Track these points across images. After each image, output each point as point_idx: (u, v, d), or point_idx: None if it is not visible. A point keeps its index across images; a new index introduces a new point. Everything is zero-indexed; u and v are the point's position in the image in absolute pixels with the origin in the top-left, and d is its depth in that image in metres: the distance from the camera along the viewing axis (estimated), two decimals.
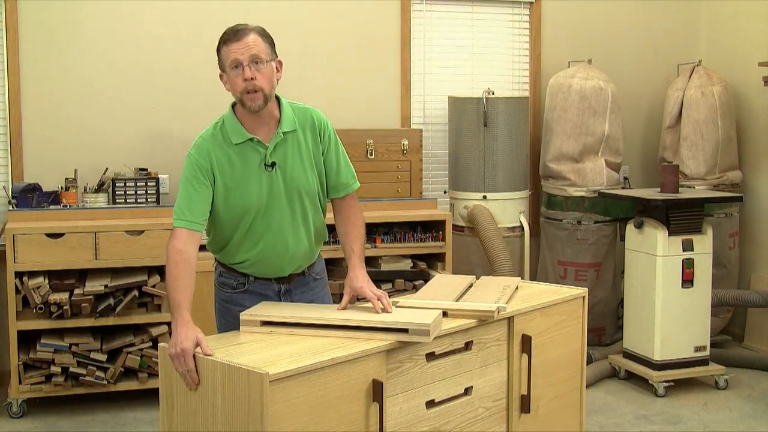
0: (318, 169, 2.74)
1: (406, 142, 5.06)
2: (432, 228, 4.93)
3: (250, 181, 2.64)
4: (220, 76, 2.69)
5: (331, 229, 2.95)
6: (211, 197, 2.63)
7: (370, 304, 2.60)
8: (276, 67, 2.65)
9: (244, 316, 2.55)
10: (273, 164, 2.65)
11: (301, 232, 2.74)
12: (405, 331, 2.40)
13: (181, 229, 2.56)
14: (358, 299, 2.70)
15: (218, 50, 2.67)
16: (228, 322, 2.80)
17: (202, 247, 2.67)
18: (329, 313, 2.53)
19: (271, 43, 2.65)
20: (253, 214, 2.67)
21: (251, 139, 2.64)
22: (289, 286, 2.81)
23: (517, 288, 3.00)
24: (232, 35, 2.61)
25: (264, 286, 2.78)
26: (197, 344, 2.29)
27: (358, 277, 2.67)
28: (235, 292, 2.81)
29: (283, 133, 2.67)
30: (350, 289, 2.66)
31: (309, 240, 2.77)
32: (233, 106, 2.71)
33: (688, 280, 4.72)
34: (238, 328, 2.57)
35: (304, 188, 2.70)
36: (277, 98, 2.72)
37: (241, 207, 2.65)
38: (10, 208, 4.55)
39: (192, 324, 2.36)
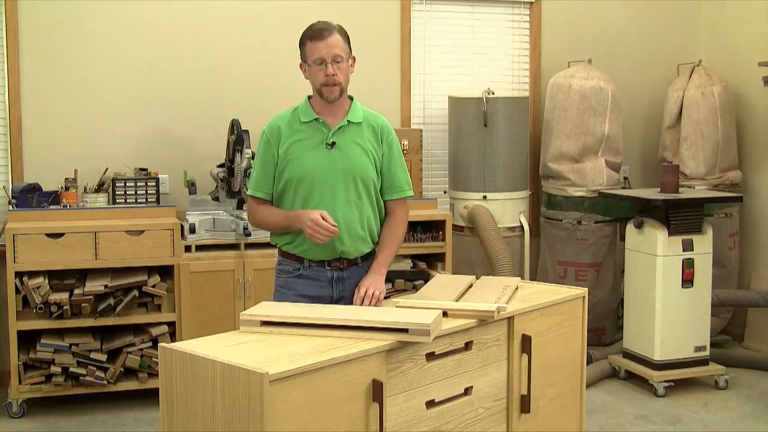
0: (375, 163, 2.95)
1: (406, 142, 5.06)
2: (432, 228, 4.93)
3: (309, 154, 2.88)
4: (300, 65, 2.95)
5: None
6: (274, 168, 2.91)
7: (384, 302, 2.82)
8: (351, 63, 2.94)
9: (243, 316, 2.56)
10: (333, 143, 2.89)
11: (353, 212, 2.90)
12: (405, 331, 2.41)
13: (251, 197, 2.97)
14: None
15: (302, 43, 2.92)
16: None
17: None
18: (329, 313, 2.53)
19: (348, 41, 2.93)
20: (309, 184, 2.87)
21: (317, 119, 2.91)
22: (342, 274, 2.94)
23: (517, 288, 3.00)
24: (317, 34, 2.87)
25: (318, 272, 2.93)
26: (321, 214, 2.76)
27: (368, 277, 2.90)
28: (291, 277, 2.97)
29: (348, 121, 2.92)
30: (357, 288, 2.88)
31: (360, 223, 2.92)
32: (309, 97, 2.98)
33: (688, 280, 4.72)
34: None
35: (360, 172, 2.90)
36: (352, 99, 3.00)
37: (299, 176, 2.87)
38: (10, 208, 4.54)
39: (307, 210, 2.81)
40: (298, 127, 2.91)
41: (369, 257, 3.00)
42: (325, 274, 2.93)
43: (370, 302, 2.80)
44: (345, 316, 2.48)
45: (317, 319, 2.48)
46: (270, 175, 2.92)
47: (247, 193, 2.99)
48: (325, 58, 2.83)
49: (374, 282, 2.87)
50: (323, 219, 2.75)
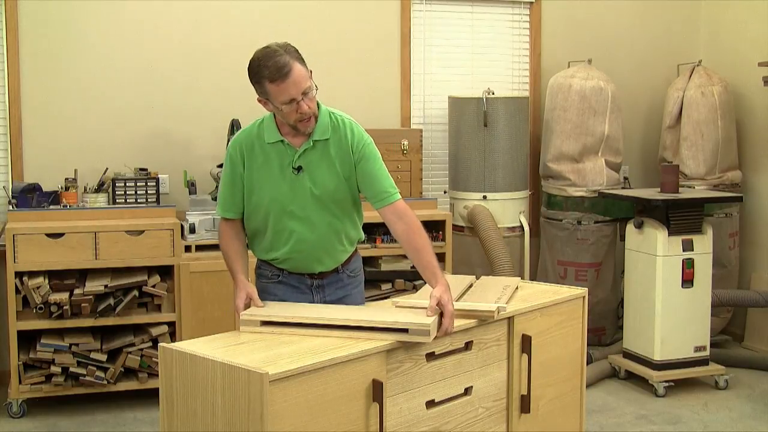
0: (347, 178, 2.78)
1: (406, 142, 5.06)
2: (432, 228, 4.93)
3: (275, 180, 2.75)
4: (260, 101, 2.73)
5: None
6: (242, 186, 2.79)
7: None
8: (313, 84, 2.71)
9: (243, 316, 2.56)
10: (299, 168, 2.74)
11: (330, 236, 2.80)
12: (405, 331, 2.40)
13: (222, 219, 2.86)
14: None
15: (260, 83, 2.67)
16: (263, 295, 2.88)
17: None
18: (329, 313, 2.53)
19: (303, 61, 2.67)
20: (278, 213, 2.76)
21: (282, 141, 2.75)
22: (322, 282, 2.87)
23: (517, 288, 3.00)
24: (278, 73, 2.60)
25: (297, 280, 2.86)
26: (249, 298, 2.65)
27: (439, 290, 2.56)
28: (270, 282, 2.90)
29: (314, 141, 2.74)
30: (433, 298, 2.55)
31: (339, 243, 2.83)
32: (274, 114, 2.77)
33: (688, 280, 4.72)
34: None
35: (331, 194, 2.76)
36: (318, 104, 2.77)
37: (266, 204, 2.76)
38: (10, 208, 4.54)
39: (245, 284, 2.71)
40: (263, 148, 2.76)
41: (348, 261, 2.90)
42: (304, 282, 2.85)
43: (449, 324, 2.50)
44: (345, 316, 2.48)
45: (318, 319, 2.48)
46: (238, 193, 2.79)
47: (216, 214, 2.87)
48: (296, 97, 2.62)
49: (447, 296, 2.53)
50: (243, 307, 2.64)
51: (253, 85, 2.71)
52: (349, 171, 2.77)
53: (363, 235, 2.97)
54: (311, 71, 2.70)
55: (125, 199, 4.71)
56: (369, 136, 2.82)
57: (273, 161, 2.75)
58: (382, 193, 2.75)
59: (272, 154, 2.75)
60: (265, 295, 2.87)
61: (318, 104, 2.77)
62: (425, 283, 2.72)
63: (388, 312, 2.57)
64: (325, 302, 2.86)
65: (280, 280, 2.88)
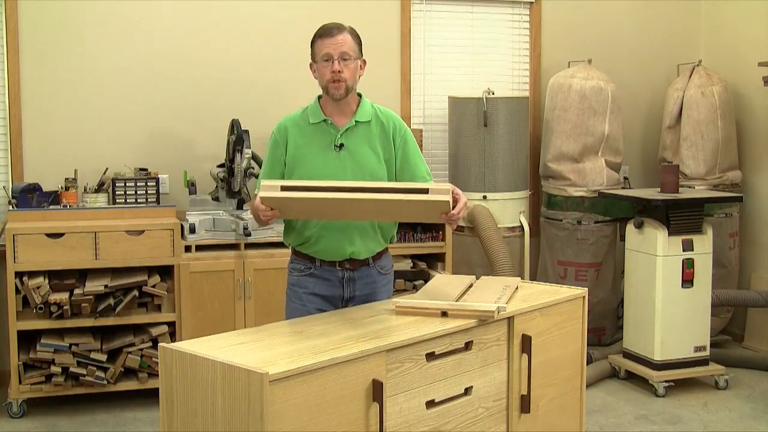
0: (386, 160, 2.92)
1: None
2: (432, 228, 4.94)
3: (318, 156, 2.88)
4: (310, 65, 2.95)
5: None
6: (282, 166, 2.91)
7: None
8: (360, 65, 2.94)
9: (264, 182, 2.58)
10: (341, 145, 2.88)
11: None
12: (426, 191, 2.46)
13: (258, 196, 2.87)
14: None
15: (312, 42, 2.91)
16: (294, 304, 3.00)
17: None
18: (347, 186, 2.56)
19: (359, 43, 2.94)
20: None
21: (325, 120, 2.91)
22: (353, 274, 2.94)
23: (517, 288, 3.00)
24: (327, 32, 2.88)
25: (329, 272, 2.94)
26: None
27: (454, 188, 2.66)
28: (302, 275, 2.98)
29: (356, 121, 2.91)
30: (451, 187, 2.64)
31: (372, 228, 2.92)
32: (319, 98, 2.97)
33: (688, 280, 4.72)
34: (304, 311, 2.87)
35: (370, 174, 2.87)
36: (361, 96, 2.99)
37: (307, 179, 2.83)
38: (10, 208, 4.54)
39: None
40: (306, 129, 2.91)
41: (380, 257, 3.00)
42: (335, 274, 2.93)
43: (461, 209, 2.63)
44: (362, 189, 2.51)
45: (331, 187, 2.52)
46: (277, 175, 2.92)
47: (255, 192, 2.95)
48: (333, 54, 2.84)
49: (457, 190, 2.65)
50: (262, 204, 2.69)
51: (311, 48, 2.93)
52: (389, 154, 2.92)
53: (395, 234, 3.05)
54: (364, 60, 2.97)
55: (125, 199, 4.71)
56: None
57: (315, 141, 2.89)
58: (424, 173, 2.94)
59: (315, 135, 2.90)
60: (297, 288, 2.97)
61: (361, 94, 2.98)
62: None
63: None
64: (354, 297, 2.94)
65: (311, 273, 2.95)
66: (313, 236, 2.91)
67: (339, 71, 2.84)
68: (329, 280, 2.94)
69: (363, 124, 2.92)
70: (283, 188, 2.55)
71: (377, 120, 2.94)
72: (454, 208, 2.61)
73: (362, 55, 2.95)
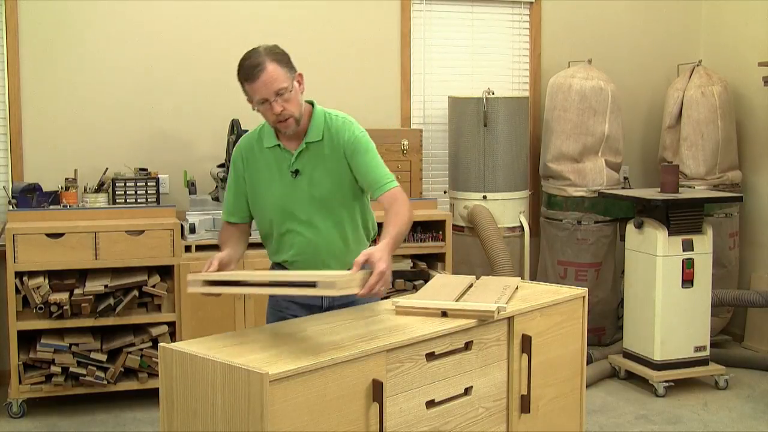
0: (343, 177, 2.77)
1: (406, 142, 5.06)
2: (432, 228, 4.93)
3: (276, 185, 2.77)
4: (248, 100, 2.73)
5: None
6: (245, 191, 2.83)
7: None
8: (298, 86, 2.71)
9: (190, 276, 2.54)
10: (296, 171, 2.75)
11: (334, 238, 2.79)
12: (313, 285, 2.31)
13: (224, 223, 2.91)
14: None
15: (240, 83, 2.69)
16: (271, 309, 2.95)
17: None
18: (258, 273, 2.52)
19: (287, 62, 2.69)
20: (281, 217, 2.79)
21: (278, 146, 2.77)
22: None
23: (517, 288, 3.00)
24: (250, 73, 2.63)
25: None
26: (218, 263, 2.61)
27: (377, 247, 2.48)
28: None
29: (307, 143, 2.75)
30: (362, 254, 2.47)
31: (345, 245, 2.82)
32: None
33: (688, 280, 4.72)
34: (280, 316, 2.83)
35: (330, 196, 2.76)
36: (312, 106, 2.80)
37: (269, 209, 2.80)
38: (10, 208, 4.55)
39: (218, 254, 2.67)
40: (261, 154, 2.79)
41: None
42: None
43: (377, 282, 2.39)
44: (274, 276, 2.45)
45: (239, 276, 2.49)
46: (242, 198, 2.84)
47: (221, 218, 2.88)
48: (268, 97, 2.63)
49: (379, 253, 2.41)
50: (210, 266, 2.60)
51: (242, 88, 2.72)
52: (343, 169, 2.77)
53: (373, 235, 2.96)
54: (300, 74, 2.72)
55: (125, 199, 4.71)
56: (361, 130, 2.80)
57: (272, 166, 2.78)
58: (376, 182, 2.74)
59: (271, 159, 2.78)
60: (278, 298, 2.90)
61: (313, 105, 2.80)
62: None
63: (322, 272, 2.51)
64: (332, 307, 2.83)
65: None
66: (287, 261, 2.85)
67: (281, 111, 2.65)
68: None
69: (314, 144, 2.75)
70: (205, 282, 2.51)
71: (328, 135, 2.76)
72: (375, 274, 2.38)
73: (295, 69, 2.71)
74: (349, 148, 2.76)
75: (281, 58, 2.67)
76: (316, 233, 2.78)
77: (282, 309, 2.89)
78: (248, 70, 2.63)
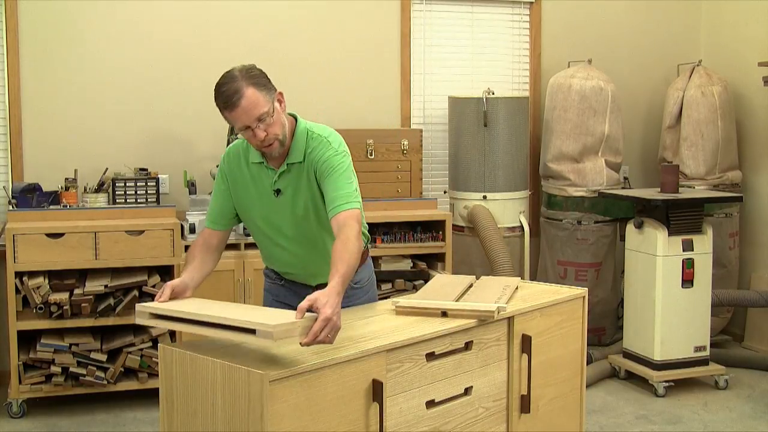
0: (319, 197, 2.71)
1: (406, 142, 5.06)
2: (432, 228, 4.93)
3: (262, 199, 2.75)
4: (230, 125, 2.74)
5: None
6: (231, 201, 2.80)
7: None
8: (279, 105, 2.64)
9: (138, 307, 2.54)
10: (278, 191, 2.73)
11: (321, 252, 2.76)
12: (253, 332, 2.18)
13: (205, 227, 2.83)
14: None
15: (219, 110, 2.63)
16: (269, 294, 2.97)
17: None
18: (205, 309, 2.36)
19: (265, 84, 2.59)
20: (268, 231, 2.79)
21: (262, 163, 2.73)
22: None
23: (517, 288, 3.00)
24: (228, 101, 2.56)
25: (300, 287, 2.87)
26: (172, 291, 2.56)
27: (323, 291, 2.30)
28: (274, 284, 2.95)
29: (288, 164, 2.71)
30: (307, 299, 2.29)
31: (329, 260, 2.72)
32: None
33: (688, 280, 4.72)
34: (280, 302, 2.84)
35: (313, 214, 2.73)
36: (296, 120, 2.73)
37: (256, 222, 2.79)
38: (10, 208, 4.54)
39: (174, 281, 2.60)
40: (247, 168, 2.75)
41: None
42: (306, 291, 2.74)
43: (321, 329, 2.20)
44: (216, 314, 2.27)
45: (184, 313, 2.37)
46: (227, 205, 2.79)
47: (205, 224, 2.81)
48: (249, 125, 2.55)
49: (325, 298, 2.25)
50: (163, 294, 2.56)
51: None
52: (317, 189, 2.70)
53: (369, 243, 2.96)
54: (280, 93, 2.64)
55: (125, 199, 4.71)
56: (337, 149, 2.68)
57: (257, 181, 2.75)
58: (330, 203, 2.62)
59: (257, 176, 2.75)
60: (269, 294, 2.94)
61: (297, 122, 2.72)
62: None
63: (262, 313, 2.36)
64: None
65: (282, 284, 2.91)
66: (280, 270, 2.88)
67: (264, 137, 2.57)
68: (300, 294, 2.70)
69: (295, 165, 2.69)
70: (152, 315, 2.51)
71: (309, 156, 2.68)
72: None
73: (274, 89, 2.62)
74: (319, 169, 2.67)
75: (259, 80, 2.58)
76: (304, 248, 2.78)
77: (278, 296, 2.91)
78: (225, 98, 2.56)
